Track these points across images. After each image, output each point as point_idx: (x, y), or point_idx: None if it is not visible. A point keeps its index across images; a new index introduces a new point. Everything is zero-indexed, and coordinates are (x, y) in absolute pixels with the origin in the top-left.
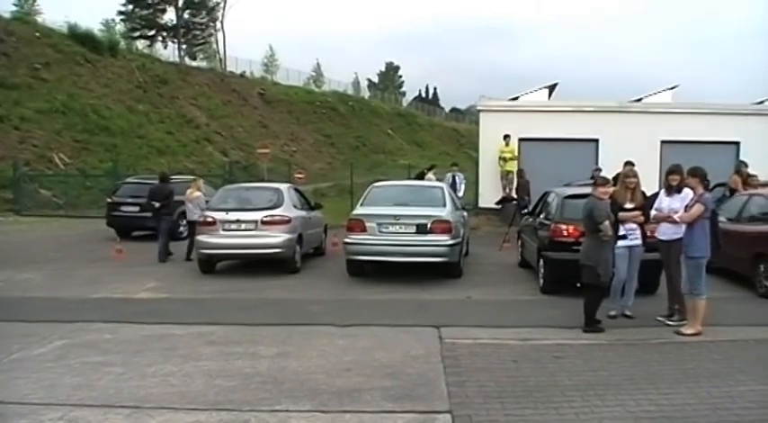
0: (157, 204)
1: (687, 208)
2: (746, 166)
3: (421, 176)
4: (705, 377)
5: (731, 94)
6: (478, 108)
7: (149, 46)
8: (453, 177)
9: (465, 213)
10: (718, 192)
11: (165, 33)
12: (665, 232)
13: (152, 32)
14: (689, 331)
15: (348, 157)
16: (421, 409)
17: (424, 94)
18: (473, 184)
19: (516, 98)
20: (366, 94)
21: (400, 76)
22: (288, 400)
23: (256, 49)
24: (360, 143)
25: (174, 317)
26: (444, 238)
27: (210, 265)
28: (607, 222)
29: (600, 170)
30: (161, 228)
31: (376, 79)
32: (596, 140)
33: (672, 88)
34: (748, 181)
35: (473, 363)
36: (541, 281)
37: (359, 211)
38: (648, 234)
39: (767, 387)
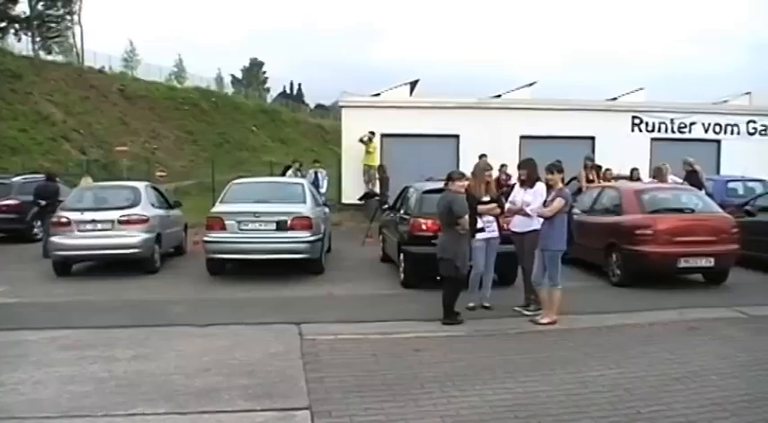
0: (43, 202)
1: (546, 202)
2: (593, 159)
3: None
4: (559, 364)
5: (588, 90)
6: (340, 104)
7: (0, 38)
8: (316, 174)
9: (327, 209)
10: (573, 185)
11: (17, 25)
12: (518, 225)
13: (3, 24)
14: (545, 320)
15: (211, 155)
16: (280, 407)
17: (288, 91)
18: (336, 181)
19: (378, 94)
20: (230, 90)
21: (264, 72)
22: (144, 403)
23: (116, 44)
24: (223, 140)
25: (25, 322)
26: (305, 235)
27: (66, 267)
28: (466, 216)
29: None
30: (47, 226)
31: (240, 75)
32: (457, 136)
33: (530, 85)
34: (604, 175)
35: (333, 358)
36: (402, 275)
37: (218, 208)
38: (503, 226)
39: (617, 371)
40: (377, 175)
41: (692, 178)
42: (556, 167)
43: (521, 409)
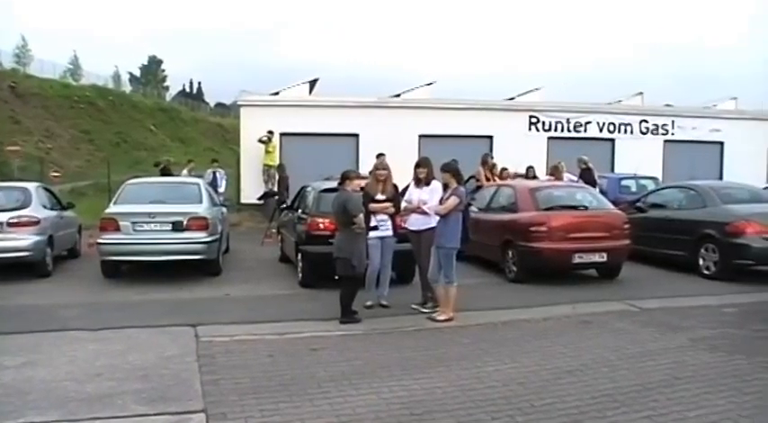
0: None
1: (442, 200)
2: (492, 158)
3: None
4: (455, 360)
5: (487, 90)
6: (239, 103)
7: None
8: (214, 173)
9: (224, 210)
10: (471, 184)
11: None
12: (415, 223)
13: None
14: (441, 317)
15: (108, 154)
16: (174, 411)
17: (188, 89)
18: (235, 180)
19: (277, 93)
20: (127, 88)
21: (164, 70)
22: (33, 411)
23: (6, 39)
24: (120, 139)
25: None
26: (201, 235)
27: None
28: (361, 215)
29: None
30: None
31: (138, 73)
32: (357, 135)
33: (429, 84)
34: (502, 174)
35: (229, 360)
36: (300, 275)
37: (111, 209)
38: (400, 225)
39: (512, 366)
40: (276, 175)
41: (587, 176)
42: (450, 166)
43: (416, 406)
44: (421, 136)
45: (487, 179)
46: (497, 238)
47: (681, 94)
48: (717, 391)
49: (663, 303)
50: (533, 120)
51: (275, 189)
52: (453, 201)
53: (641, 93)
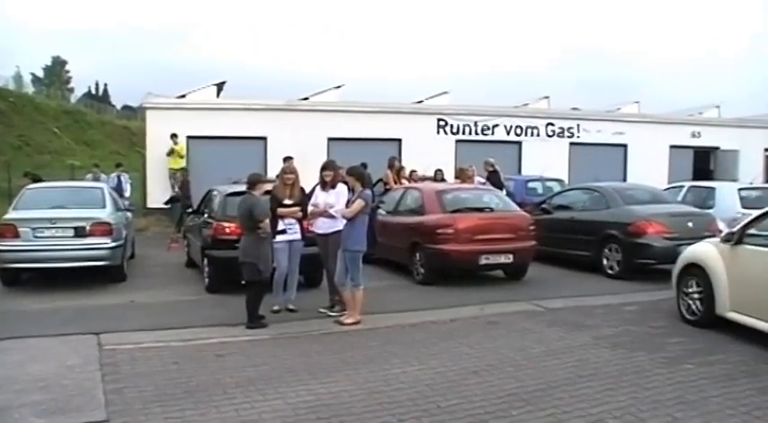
0: None
1: (348, 203)
2: (399, 160)
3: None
4: (363, 363)
5: (396, 93)
6: (144, 106)
7: None
8: (119, 178)
9: (129, 214)
10: (380, 187)
11: None
12: (321, 226)
13: None
14: (349, 321)
15: (10, 158)
16: (75, 421)
17: (93, 91)
18: (141, 184)
19: (184, 96)
20: (30, 89)
21: (68, 72)
22: None
23: None
24: (22, 143)
25: None
26: (104, 241)
27: None
28: (267, 220)
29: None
30: None
31: (41, 74)
32: (265, 138)
33: (338, 87)
34: (410, 176)
35: (133, 368)
36: (206, 280)
37: (10, 215)
38: (308, 228)
39: (418, 368)
40: (180, 179)
41: (493, 178)
42: (355, 170)
43: (323, 410)
44: (330, 139)
45: (395, 182)
46: (405, 241)
47: (586, 97)
48: (618, 387)
49: (568, 303)
50: (441, 123)
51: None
52: (359, 204)
53: (547, 96)
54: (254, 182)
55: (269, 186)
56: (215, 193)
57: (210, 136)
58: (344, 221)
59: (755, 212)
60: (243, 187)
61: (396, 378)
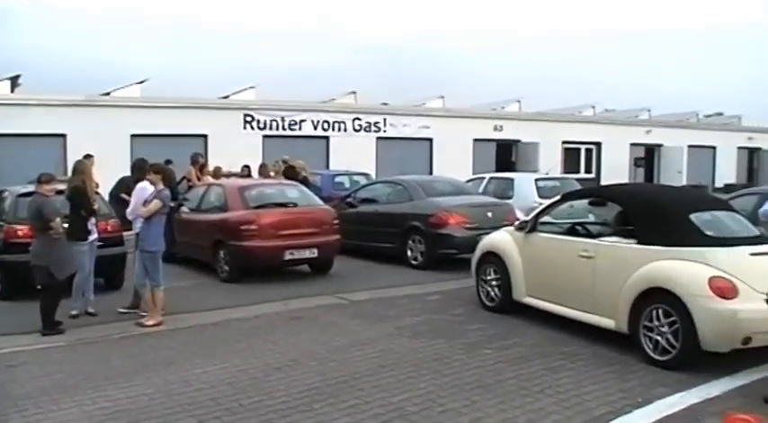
0: None
1: (146, 202)
2: (203, 157)
3: None
4: (163, 365)
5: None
6: None
7: None
8: None
9: None
10: (184, 185)
11: None
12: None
13: None
14: (149, 322)
15: None
16: None
17: None
18: None
19: None
20: None
21: None
22: None
23: None
24: None
25: None
26: None
27: None
28: (58, 219)
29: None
30: None
31: None
32: (64, 136)
33: (141, 82)
34: (215, 172)
35: None
36: None
37: None
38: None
39: (221, 367)
40: None
41: (290, 173)
42: (153, 168)
43: (121, 416)
44: (133, 136)
45: (198, 179)
46: (208, 239)
47: (392, 93)
48: (419, 374)
49: (372, 295)
50: (248, 118)
51: None
52: (156, 204)
53: (354, 92)
54: (43, 181)
55: (60, 185)
56: (6, 193)
57: (4, 134)
58: (141, 221)
59: (547, 201)
60: (31, 188)
61: (197, 378)
